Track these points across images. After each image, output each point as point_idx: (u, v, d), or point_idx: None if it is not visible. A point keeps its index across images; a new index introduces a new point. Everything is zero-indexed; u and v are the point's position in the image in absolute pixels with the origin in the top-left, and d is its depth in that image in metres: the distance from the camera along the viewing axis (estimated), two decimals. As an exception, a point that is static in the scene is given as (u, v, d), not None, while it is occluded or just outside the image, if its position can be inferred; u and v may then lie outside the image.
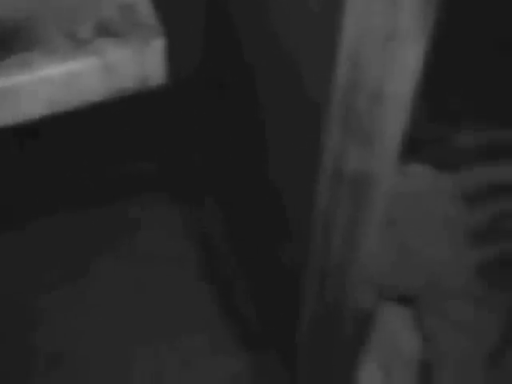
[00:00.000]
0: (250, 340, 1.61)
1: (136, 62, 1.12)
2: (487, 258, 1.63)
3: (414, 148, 1.74)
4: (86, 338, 1.61)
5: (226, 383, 1.56)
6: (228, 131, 1.59)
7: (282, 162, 1.30)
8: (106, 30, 1.11)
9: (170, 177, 1.79)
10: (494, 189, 1.71)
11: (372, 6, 0.90)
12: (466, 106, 1.82)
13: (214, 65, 1.54)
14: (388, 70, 0.97)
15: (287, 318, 1.42)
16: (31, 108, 1.06)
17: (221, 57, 1.50)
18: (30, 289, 1.63)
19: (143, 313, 1.63)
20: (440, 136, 1.80)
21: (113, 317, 1.63)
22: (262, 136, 1.36)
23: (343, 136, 1.04)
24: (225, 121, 1.59)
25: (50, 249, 1.71)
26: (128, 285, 1.66)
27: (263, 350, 1.60)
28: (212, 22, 1.47)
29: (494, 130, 1.80)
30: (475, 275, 1.61)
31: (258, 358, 1.59)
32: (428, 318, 1.58)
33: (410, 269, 1.61)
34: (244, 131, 1.47)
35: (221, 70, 1.53)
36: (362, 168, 1.06)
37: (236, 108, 1.48)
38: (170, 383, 1.59)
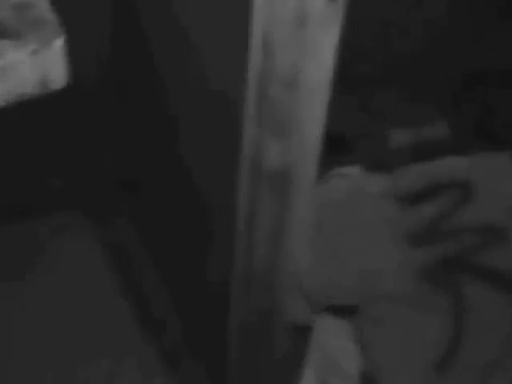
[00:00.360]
0: (175, 357, 1.64)
1: (35, 64, 1.14)
2: (430, 260, 1.70)
3: (346, 149, 1.82)
4: (5, 361, 1.61)
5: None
6: (138, 135, 1.63)
7: (200, 163, 1.34)
8: (2, 31, 1.14)
9: (80, 192, 1.80)
10: (430, 188, 1.79)
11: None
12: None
13: (120, 65, 1.58)
14: (301, 56, 1.02)
15: (214, 331, 1.45)
16: None
17: (128, 55, 1.54)
18: None
19: (64, 333, 1.64)
20: (373, 135, 1.88)
21: (30, 339, 1.64)
22: (177, 136, 1.40)
23: (260, 129, 1.09)
24: (133, 125, 1.63)
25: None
26: (46, 306, 1.67)
27: (190, 366, 1.62)
28: (118, 17, 1.52)
29: (426, 127, 1.89)
30: (418, 278, 1.68)
31: (185, 374, 1.61)
32: (367, 327, 1.64)
33: (346, 277, 1.66)
34: (156, 132, 1.51)
35: (128, 70, 1.57)
36: (281, 162, 1.11)
37: (146, 110, 1.52)
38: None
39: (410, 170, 1.78)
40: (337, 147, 1.80)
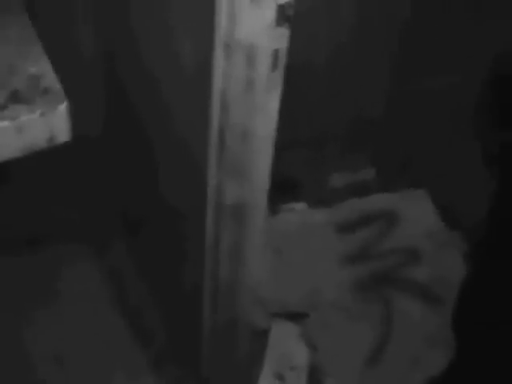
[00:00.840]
0: (162, 362, 1.63)
1: (44, 124, 1.17)
2: (363, 276, 1.73)
3: (296, 189, 1.85)
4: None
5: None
6: (131, 177, 1.65)
7: (176, 200, 1.36)
8: (17, 98, 1.17)
9: (82, 224, 1.79)
10: (363, 219, 1.82)
11: (233, 59, 0.99)
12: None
13: (115, 123, 1.61)
14: (251, 113, 1.06)
15: (192, 338, 1.46)
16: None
17: (120, 116, 1.57)
18: None
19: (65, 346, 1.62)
20: (317, 179, 1.92)
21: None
22: (158, 179, 1.43)
23: (220, 172, 1.12)
24: (127, 170, 1.65)
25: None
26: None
27: (176, 369, 1.61)
28: (111, 90, 1.56)
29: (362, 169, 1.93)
30: (354, 291, 1.71)
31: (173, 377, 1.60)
32: (314, 331, 1.66)
33: (297, 290, 1.69)
34: (144, 176, 1.54)
35: (121, 126, 1.60)
36: (238, 198, 1.14)
37: (137, 158, 1.54)
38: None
39: (346, 205, 1.82)
40: (288, 188, 1.84)
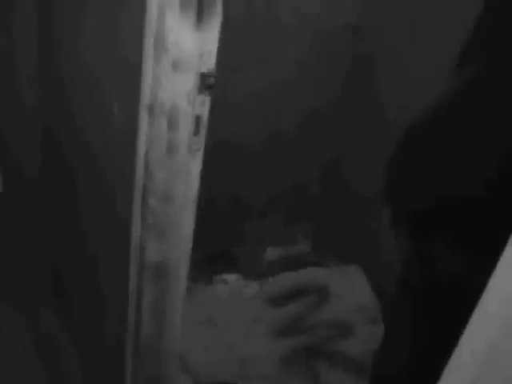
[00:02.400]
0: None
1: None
2: (293, 349, 1.74)
3: (231, 261, 1.88)
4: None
5: None
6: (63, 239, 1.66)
7: (103, 257, 1.39)
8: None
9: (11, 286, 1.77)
10: (295, 292, 1.85)
11: (157, 123, 1.05)
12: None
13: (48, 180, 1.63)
14: (173, 176, 1.10)
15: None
16: None
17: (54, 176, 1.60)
18: None
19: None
20: (251, 250, 1.96)
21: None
22: (88, 239, 1.45)
23: (143, 232, 1.16)
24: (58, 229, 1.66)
25: None
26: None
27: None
28: (45, 148, 1.60)
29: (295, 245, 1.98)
30: (284, 363, 1.71)
31: None
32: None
33: (227, 360, 1.69)
34: (74, 235, 1.56)
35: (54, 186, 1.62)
36: (160, 257, 1.17)
37: (67, 220, 1.57)
38: None
39: (280, 278, 1.85)
40: (223, 259, 1.87)
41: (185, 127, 1.07)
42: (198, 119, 1.07)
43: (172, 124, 1.06)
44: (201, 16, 1.04)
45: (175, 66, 1.03)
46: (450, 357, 0.65)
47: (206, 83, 1.05)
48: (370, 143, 1.91)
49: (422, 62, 1.71)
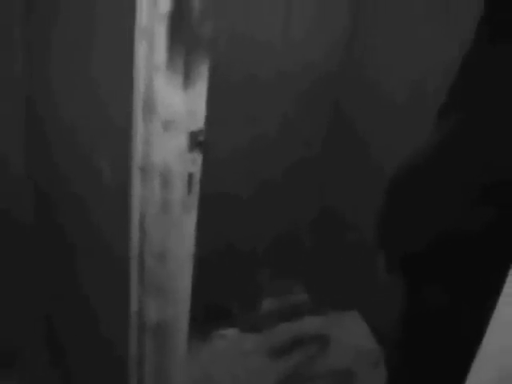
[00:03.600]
0: None
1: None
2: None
3: (227, 315, 1.88)
4: None
5: None
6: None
7: (104, 315, 1.38)
8: None
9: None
10: (295, 343, 1.85)
11: (150, 183, 1.06)
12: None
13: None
14: (168, 234, 1.11)
15: None
16: None
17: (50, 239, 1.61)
18: None
19: None
20: (248, 303, 1.95)
21: None
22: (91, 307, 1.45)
23: (142, 292, 1.16)
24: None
25: None
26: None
27: None
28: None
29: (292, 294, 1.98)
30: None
31: None
32: None
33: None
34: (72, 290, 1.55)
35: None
36: (159, 316, 1.17)
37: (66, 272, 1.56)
38: None
39: (279, 330, 1.84)
40: (221, 314, 1.87)
41: (178, 186, 1.09)
42: (190, 177, 1.09)
43: (165, 183, 1.08)
44: (188, 76, 1.06)
45: (165, 126, 1.06)
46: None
47: (196, 141, 1.07)
48: (360, 191, 1.93)
49: (405, 111, 1.75)
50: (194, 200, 1.12)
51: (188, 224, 1.12)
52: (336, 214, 2.05)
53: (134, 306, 1.16)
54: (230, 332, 1.82)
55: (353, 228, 1.96)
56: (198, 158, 1.08)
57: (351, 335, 1.88)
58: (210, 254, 1.77)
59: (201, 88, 1.08)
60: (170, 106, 1.05)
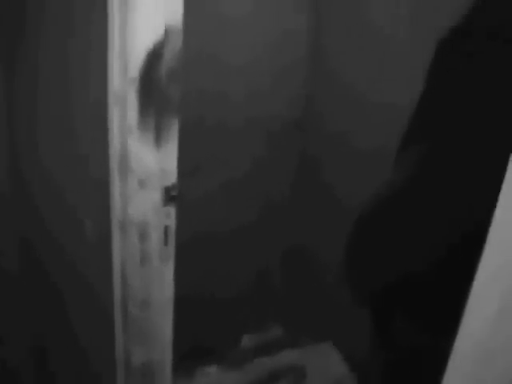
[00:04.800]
0: None
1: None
2: None
3: (208, 353, 1.93)
4: None
5: None
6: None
7: (89, 363, 1.43)
8: None
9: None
10: (272, 377, 1.90)
11: (128, 236, 1.13)
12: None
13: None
14: (148, 284, 1.18)
15: None
16: None
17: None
18: None
19: None
20: (227, 341, 2.01)
21: None
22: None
23: (127, 338, 1.22)
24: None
25: None
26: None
27: None
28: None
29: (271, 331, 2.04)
30: None
31: None
32: None
33: None
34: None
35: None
36: (144, 358, 1.23)
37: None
38: None
39: (256, 365, 1.90)
40: (202, 353, 1.92)
41: (155, 238, 1.16)
42: (166, 230, 1.17)
43: (143, 236, 1.15)
44: (159, 136, 1.15)
45: (140, 183, 1.13)
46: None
47: (170, 196, 1.15)
48: (328, 229, 2.01)
49: (368, 154, 1.84)
50: (171, 250, 1.19)
51: (167, 273, 1.20)
52: (306, 251, 2.13)
53: (119, 351, 1.22)
54: (213, 369, 1.87)
55: (322, 264, 2.04)
56: (172, 211, 1.16)
57: (327, 366, 1.95)
58: (187, 296, 1.83)
59: (172, 146, 1.16)
60: (144, 165, 1.13)
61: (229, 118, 1.89)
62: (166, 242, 1.17)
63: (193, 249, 1.83)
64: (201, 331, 2.00)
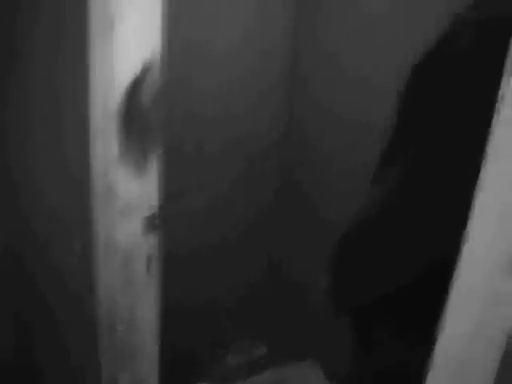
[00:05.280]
0: None
1: None
2: None
3: (197, 369, 1.95)
4: None
5: None
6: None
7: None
8: None
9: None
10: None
11: (113, 263, 1.16)
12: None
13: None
14: (131, 306, 1.21)
15: None
16: None
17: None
18: None
19: None
20: (214, 358, 2.03)
21: None
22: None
23: (113, 357, 1.24)
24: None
25: None
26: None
27: None
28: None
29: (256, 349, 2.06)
30: None
31: None
32: None
33: None
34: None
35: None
36: (131, 379, 1.25)
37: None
38: None
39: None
40: (191, 369, 1.94)
41: (138, 265, 1.19)
42: (149, 257, 1.20)
43: (126, 263, 1.18)
44: (141, 166, 1.18)
45: (123, 212, 1.16)
46: None
47: (152, 224, 1.18)
48: (309, 247, 2.05)
49: (347, 170, 1.88)
50: (154, 276, 1.22)
51: (150, 297, 1.22)
52: (287, 268, 2.16)
53: (106, 371, 1.25)
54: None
55: (303, 282, 2.07)
56: (155, 239, 1.19)
57: (309, 382, 1.97)
58: (171, 314, 1.85)
59: (154, 175, 1.19)
60: (126, 194, 1.16)
61: (208, 141, 1.93)
62: (149, 269, 1.20)
63: (176, 267, 1.86)
64: (184, 348, 2.02)
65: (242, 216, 2.12)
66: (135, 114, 1.17)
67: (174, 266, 1.82)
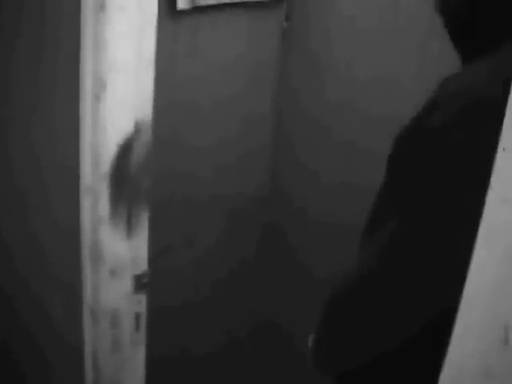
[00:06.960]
0: None
1: None
2: None
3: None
4: None
5: None
6: None
7: None
8: None
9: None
10: None
11: (100, 324, 1.15)
12: None
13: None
14: (119, 368, 1.19)
15: None
16: None
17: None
18: None
19: None
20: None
21: None
22: None
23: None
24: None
25: None
26: None
27: None
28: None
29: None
30: None
31: None
32: None
33: None
34: None
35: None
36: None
37: None
38: None
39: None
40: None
41: (126, 325, 1.18)
42: (137, 316, 1.18)
43: (114, 323, 1.17)
44: (130, 226, 1.18)
45: (112, 272, 1.16)
46: None
47: (140, 284, 1.18)
48: (293, 302, 2.04)
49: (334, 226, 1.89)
50: (142, 335, 1.21)
51: (138, 358, 1.21)
52: (273, 322, 2.15)
53: None
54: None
55: (290, 336, 2.06)
56: (143, 298, 1.18)
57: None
58: (158, 363, 1.82)
59: (143, 235, 1.19)
60: (115, 254, 1.16)
61: (195, 195, 1.93)
62: (137, 328, 1.18)
63: (163, 319, 1.84)
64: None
65: (225, 268, 2.11)
66: (125, 176, 1.18)
67: (161, 321, 1.80)
